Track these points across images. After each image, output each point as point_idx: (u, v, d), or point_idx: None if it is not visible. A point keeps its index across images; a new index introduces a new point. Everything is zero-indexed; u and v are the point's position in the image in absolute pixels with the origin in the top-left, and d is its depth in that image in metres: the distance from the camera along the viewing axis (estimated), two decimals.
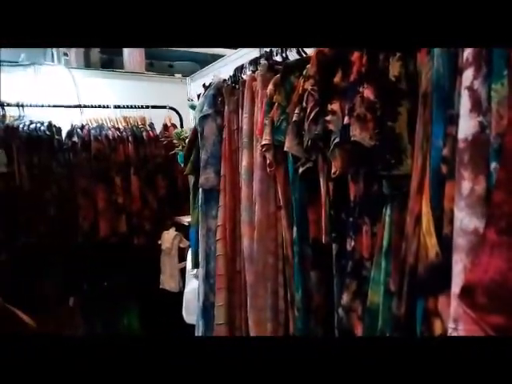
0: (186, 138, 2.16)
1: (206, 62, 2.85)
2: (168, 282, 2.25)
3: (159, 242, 2.31)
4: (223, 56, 2.45)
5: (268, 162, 1.10)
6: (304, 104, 0.92)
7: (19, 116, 2.09)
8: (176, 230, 2.29)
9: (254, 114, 1.23)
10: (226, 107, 1.42)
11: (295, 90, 0.99)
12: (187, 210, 2.48)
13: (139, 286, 2.29)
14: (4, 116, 2.06)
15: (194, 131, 1.59)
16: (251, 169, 1.27)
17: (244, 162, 1.29)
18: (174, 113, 2.63)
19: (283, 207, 1.12)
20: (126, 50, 2.91)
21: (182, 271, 2.23)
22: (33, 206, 1.97)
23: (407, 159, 0.75)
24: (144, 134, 2.35)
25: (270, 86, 1.08)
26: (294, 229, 1.04)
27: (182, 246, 2.25)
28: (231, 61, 2.29)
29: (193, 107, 2.09)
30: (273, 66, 1.21)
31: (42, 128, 2.07)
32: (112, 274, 2.23)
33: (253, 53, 1.61)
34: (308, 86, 0.89)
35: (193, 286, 1.91)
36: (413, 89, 0.74)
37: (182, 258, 2.27)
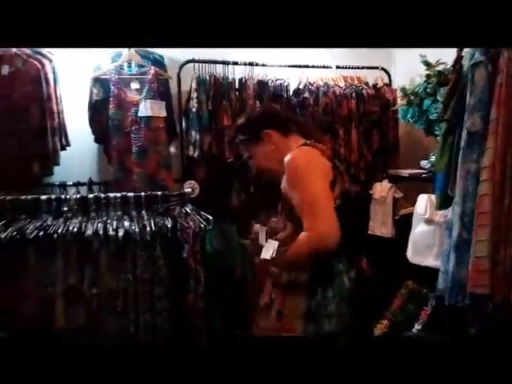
0: (412, 94, 2.28)
1: None
2: (379, 228, 2.45)
3: (370, 192, 2.51)
4: None
5: None
6: None
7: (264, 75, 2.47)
8: (389, 182, 2.45)
9: None
10: (506, 53, 1.48)
11: None
12: (398, 163, 2.63)
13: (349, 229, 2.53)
14: None
15: (455, 79, 1.69)
16: None
17: None
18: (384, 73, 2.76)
19: None
20: None
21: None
22: None
23: None
24: (364, 91, 2.53)
25: None
26: None
27: (396, 195, 2.40)
28: None
29: (425, 63, 2.19)
30: None
31: (285, 84, 2.41)
32: None
33: None
34: None
35: (420, 229, 2.06)
36: None
37: (395, 207, 2.43)
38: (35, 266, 1.69)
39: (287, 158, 1.31)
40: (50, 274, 1.69)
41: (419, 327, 2.09)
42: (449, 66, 2.08)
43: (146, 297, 1.80)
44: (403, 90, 2.29)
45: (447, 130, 1.75)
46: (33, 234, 1.67)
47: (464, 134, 1.62)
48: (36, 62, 2.01)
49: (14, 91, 1.97)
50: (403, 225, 2.30)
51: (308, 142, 1.38)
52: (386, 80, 2.73)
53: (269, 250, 1.34)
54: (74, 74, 2.26)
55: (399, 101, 2.44)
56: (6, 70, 1.95)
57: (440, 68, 2.17)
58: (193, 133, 2.24)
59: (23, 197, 1.85)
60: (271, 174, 1.47)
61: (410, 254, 2.11)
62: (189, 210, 1.94)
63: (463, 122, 1.64)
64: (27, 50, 2.01)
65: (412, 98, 2.24)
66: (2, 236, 1.66)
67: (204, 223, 1.89)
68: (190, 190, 2.01)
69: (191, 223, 1.88)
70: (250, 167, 2.24)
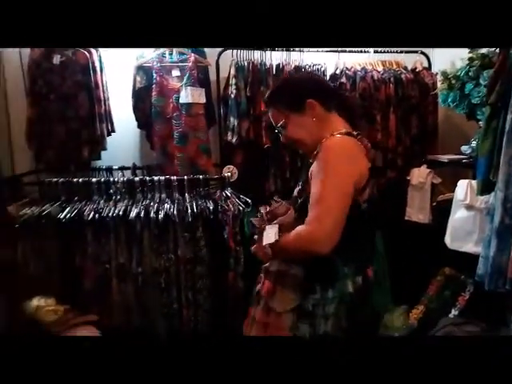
0: (453, 77, 2.24)
1: None
2: (416, 214, 2.43)
3: (408, 178, 2.49)
4: None
5: None
6: None
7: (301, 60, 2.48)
8: (427, 168, 2.43)
9: None
10: None
11: None
12: (437, 149, 2.60)
13: (386, 214, 2.53)
14: None
15: (502, 61, 1.65)
16: None
17: None
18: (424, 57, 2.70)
19: None
20: None
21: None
22: None
23: None
24: (402, 76, 2.50)
25: None
26: None
27: (435, 181, 2.38)
28: None
29: None
30: None
31: (322, 69, 2.42)
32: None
33: None
34: None
35: (460, 215, 2.05)
36: None
37: (433, 193, 2.41)
38: (91, 245, 1.82)
39: (326, 143, 1.17)
40: (104, 253, 1.82)
41: (456, 313, 2.09)
42: (493, 49, 2.02)
43: (189, 275, 1.90)
44: (444, 73, 2.24)
45: (491, 113, 1.72)
46: (90, 216, 1.80)
47: (509, 117, 1.59)
48: (85, 52, 2.12)
49: (65, 80, 2.09)
50: (440, 211, 2.29)
51: (355, 132, 1.22)
52: (426, 64, 2.68)
53: (270, 235, 1.22)
54: (118, 62, 2.36)
55: (439, 85, 2.39)
56: (57, 59, 2.06)
57: (484, 50, 2.11)
58: (231, 119, 2.30)
59: (75, 180, 1.98)
60: (301, 148, 1.31)
61: (448, 240, 2.09)
62: (229, 194, 2.02)
63: (508, 105, 1.61)
64: None
65: (453, 81, 2.19)
66: (62, 216, 1.79)
67: (243, 206, 1.96)
68: (229, 174, 2.08)
69: (231, 206, 1.95)
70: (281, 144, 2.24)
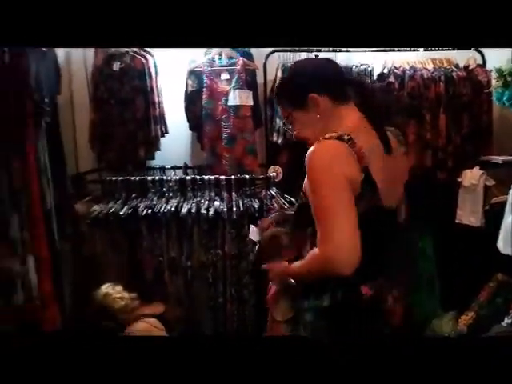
0: (509, 74, 2.14)
1: None
2: (467, 217, 2.35)
3: (459, 180, 2.41)
4: None
5: None
6: None
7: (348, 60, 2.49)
8: (480, 169, 2.34)
9: None
10: None
11: None
12: (491, 149, 2.49)
13: (435, 216, 2.47)
14: None
15: None
16: None
17: None
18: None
19: None
20: None
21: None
22: None
23: None
24: (454, 74, 2.42)
25: None
26: None
27: (488, 184, 2.29)
28: None
29: None
30: None
31: (369, 69, 2.42)
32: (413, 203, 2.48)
33: None
34: None
35: None
36: None
37: (486, 195, 2.32)
38: (147, 239, 1.97)
39: (310, 150, 1.08)
40: (157, 247, 1.96)
41: (509, 321, 2.01)
42: None
43: (234, 271, 1.99)
44: (499, 70, 2.15)
45: None
46: (144, 212, 1.95)
47: None
48: (141, 58, 2.27)
49: (123, 85, 2.25)
50: (494, 214, 2.20)
51: (346, 136, 1.05)
52: (479, 61, 2.56)
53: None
54: (171, 67, 2.49)
55: (494, 82, 2.30)
56: (117, 66, 2.23)
57: None
58: (277, 120, 2.35)
59: (132, 178, 2.13)
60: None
61: (501, 244, 2.01)
62: (274, 193, 2.08)
63: None
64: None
65: (509, 79, 2.11)
66: (121, 212, 1.95)
67: (288, 205, 2.01)
68: (274, 174, 2.14)
69: (276, 205, 2.01)
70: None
